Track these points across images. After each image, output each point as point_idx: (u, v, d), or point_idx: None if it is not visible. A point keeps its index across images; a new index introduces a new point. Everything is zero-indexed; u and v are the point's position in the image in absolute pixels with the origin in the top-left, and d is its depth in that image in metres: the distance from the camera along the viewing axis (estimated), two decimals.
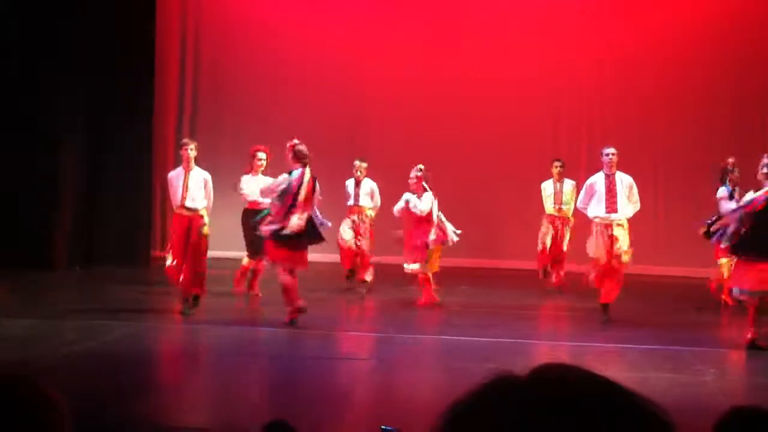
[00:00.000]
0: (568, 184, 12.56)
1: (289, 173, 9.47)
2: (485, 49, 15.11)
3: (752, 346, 8.77)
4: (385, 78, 15.21)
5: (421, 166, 11.21)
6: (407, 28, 15.33)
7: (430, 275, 11.08)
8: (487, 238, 14.92)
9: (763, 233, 8.73)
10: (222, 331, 9.36)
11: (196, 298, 10.21)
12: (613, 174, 10.18)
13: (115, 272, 13.17)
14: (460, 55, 15.15)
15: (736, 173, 10.98)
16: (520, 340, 9.01)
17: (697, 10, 14.82)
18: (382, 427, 3.65)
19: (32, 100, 13.31)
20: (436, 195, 11.26)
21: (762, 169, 8.91)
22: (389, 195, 11.74)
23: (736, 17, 14.55)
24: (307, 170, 9.46)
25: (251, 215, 10.99)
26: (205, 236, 10.25)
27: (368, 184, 12.21)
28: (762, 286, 8.72)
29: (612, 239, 10.02)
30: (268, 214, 9.70)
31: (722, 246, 9.47)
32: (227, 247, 13.18)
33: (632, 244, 10.22)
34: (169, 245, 10.69)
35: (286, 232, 9.26)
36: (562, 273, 12.53)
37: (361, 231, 12.01)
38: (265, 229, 9.48)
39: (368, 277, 11.93)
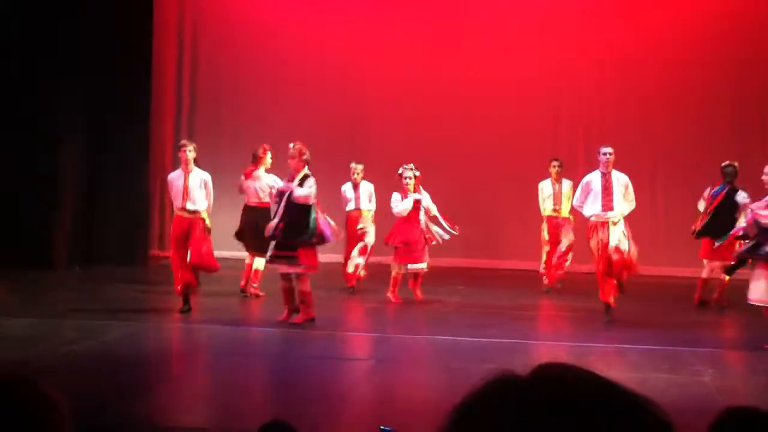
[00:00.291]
0: (567, 185, 12.44)
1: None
2: (484, 49, 15.10)
3: None
4: (384, 78, 15.20)
5: (413, 166, 11.31)
6: (406, 28, 15.32)
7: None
8: (486, 238, 14.92)
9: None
10: (221, 331, 9.36)
11: (188, 290, 10.18)
12: (610, 173, 10.25)
13: (114, 272, 13.18)
14: (459, 55, 15.14)
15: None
16: (519, 341, 9.02)
17: (696, 10, 14.81)
18: (381, 427, 3.66)
19: (32, 100, 13.32)
20: (432, 195, 11.35)
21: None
22: (389, 195, 11.70)
23: (736, 17, 14.54)
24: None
25: (253, 213, 11.02)
26: (208, 235, 10.23)
27: (367, 187, 12.15)
28: None
29: (607, 237, 10.06)
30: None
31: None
32: (227, 247, 13.17)
33: (635, 238, 10.23)
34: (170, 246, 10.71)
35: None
36: (559, 272, 12.49)
37: (366, 231, 12.00)
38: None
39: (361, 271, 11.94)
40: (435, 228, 11.44)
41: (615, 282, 10.13)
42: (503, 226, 14.94)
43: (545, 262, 12.55)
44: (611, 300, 10.12)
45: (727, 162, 11.27)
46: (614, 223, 10.10)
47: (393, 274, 11.35)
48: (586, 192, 10.33)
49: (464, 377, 6.68)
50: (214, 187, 10.45)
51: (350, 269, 11.89)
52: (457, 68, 15.07)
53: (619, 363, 8.32)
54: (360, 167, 12.11)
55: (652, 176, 14.56)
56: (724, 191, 11.10)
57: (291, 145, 9.73)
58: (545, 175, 12.65)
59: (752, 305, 9.20)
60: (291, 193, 9.51)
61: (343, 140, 14.89)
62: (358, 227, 11.96)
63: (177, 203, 10.37)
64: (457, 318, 10.44)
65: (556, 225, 12.47)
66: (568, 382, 1.03)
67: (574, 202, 10.75)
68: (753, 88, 14.65)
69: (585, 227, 10.61)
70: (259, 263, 11.10)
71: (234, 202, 11.93)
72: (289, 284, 9.63)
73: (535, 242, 12.79)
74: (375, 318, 10.83)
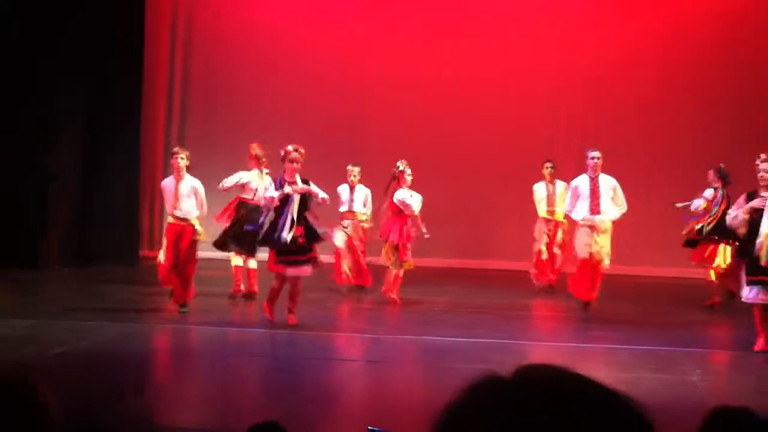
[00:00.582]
0: (560, 186, 12.39)
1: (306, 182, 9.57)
2: (479, 50, 15.13)
3: None
4: (379, 78, 15.21)
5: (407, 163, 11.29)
6: (401, 29, 15.35)
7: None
8: (480, 238, 14.94)
9: None
10: (213, 332, 9.36)
11: (184, 304, 10.21)
12: (597, 177, 10.29)
13: (105, 271, 13.18)
14: (452, 56, 15.19)
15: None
16: (509, 341, 9.03)
17: (696, 11, 14.81)
18: (370, 428, 3.67)
19: (33, 100, 13.36)
20: (427, 195, 11.36)
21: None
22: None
23: (736, 18, 14.54)
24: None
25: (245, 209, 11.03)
26: (196, 243, 10.22)
27: (363, 191, 12.09)
28: None
29: (594, 240, 10.12)
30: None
31: None
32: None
33: (614, 247, 10.29)
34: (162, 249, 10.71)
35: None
36: (551, 276, 12.50)
37: (357, 237, 11.95)
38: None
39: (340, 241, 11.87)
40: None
41: (591, 281, 10.21)
42: (498, 227, 14.92)
43: (536, 263, 12.55)
44: (593, 298, 10.19)
45: (721, 165, 11.32)
46: (603, 231, 10.15)
47: (395, 272, 11.19)
48: (575, 196, 10.38)
49: (454, 377, 6.68)
50: (207, 190, 10.41)
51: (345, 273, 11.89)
52: (451, 69, 15.13)
53: (608, 363, 8.35)
54: (357, 169, 12.03)
55: (647, 176, 14.51)
56: (726, 193, 11.15)
57: (292, 148, 9.47)
58: (540, 176, 12.64)
59: (744, 304, 9.19)
60: (310, 196, 9.47)
61: (340, 141, 14.82)
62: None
63: (168, 209, 10.44)
64: (448, 318, 10.46)
65: (549, 227, 12.47)
66: (551, 382, 1.05)
67: (566, 208, 10.80)
68: (752, 89, 14.68)
69: (575, 229, 10.66)
70: (253, 263, 11.15)
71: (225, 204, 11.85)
72: (283, 285, 9.61)
73: (528, 243, 12.78)
74: (366, 319, 10.84)
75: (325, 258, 11.67)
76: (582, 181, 10.37)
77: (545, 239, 12.46)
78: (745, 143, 14.02)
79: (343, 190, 12.06)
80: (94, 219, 14.39)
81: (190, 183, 10.27)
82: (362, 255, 11.93)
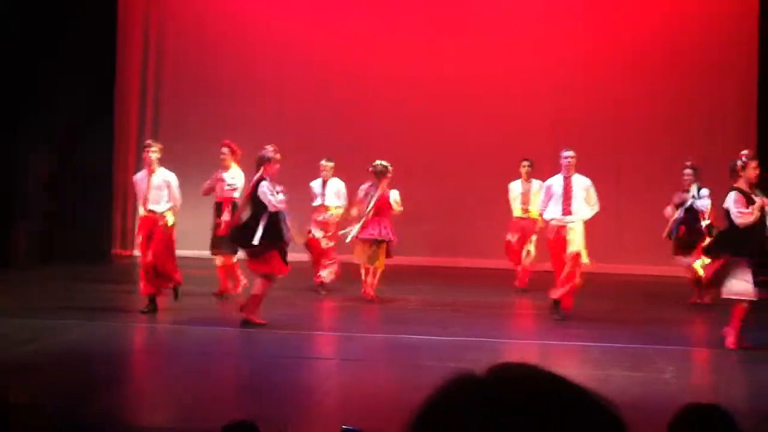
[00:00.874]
0: (536, 184, 12.29)
1: None
2: (473, 50, 15.13)
3: None
4: (361, 77, 15.21)
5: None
6: (394, 28, 15.34)
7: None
8: (454, 236, 14.97)
9: None
10: (186, 330, 9.34)
11: (176, 288, 10.29)
12: (571, 176, 10.31)
13: (77, 270, 13.10)
14: (448, 55, 15.19)
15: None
16: (484, 339, 9.05)
17: (674, 12, 14.89)
18: (344, 426, 3.66)
19: (33, 100, 13.38)
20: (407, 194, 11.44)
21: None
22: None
23: (713, 19, 14.65)
24: None
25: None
26: (170, 230, 10.16)
27: (336, 184, 12.21)
28: None
29: (565, 241, 10.13)
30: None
31: None
32: (192, 246, 13.12)
33: (588, 245, 10.30)
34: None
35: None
36: (528, 277, 12.51)
37: (328, 230, 12.01)
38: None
39: (328, 277, 11.92)
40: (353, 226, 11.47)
41: (567, 281, 10.20)
42: (471, 224, 14.94)
43: (506, 250, 12.58)
44: (563, 297, 10.21)
45: (694, 163, 11.37)
46: (572, 228, 10.16)
47: (381, 270, 11.32)
48: (549, 196, 10.40)
49: (428, 376, 6.71)
50: (181, 186, 10.36)
51: (327, 278, 11.91)
52: (450, 68, 15.11)
53: (581, 360, 8.40)
54: (330, 165, 12.19)
55: (620, 175, 14.58)
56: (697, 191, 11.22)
57: (271, 148, 9.52)
58: (518, 175, 12.61)
59: (725, 299, 9.16)
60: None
61: (317, 137, 14.70)
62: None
63: (140, 203, 10.35)
64: (421, 316, 10.47)
65: (522, 227, 12.47)
66: (525, 381, 1.05)
67: (539, 207, 10.81)
68: (725, 90, 14.78)
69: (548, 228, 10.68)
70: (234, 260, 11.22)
71: (200, 201, 11.79)
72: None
73: (503, 241, 12.79)
74: (340, 317, 10.84)
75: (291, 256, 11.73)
76: (555, 181, 10.39)
77: (517, 236, 12.49)
78: (717, 143, 14.15)
79: (316, 184, 12.18)
80: (66, 217, 14.29)
81: (162, 176, 10.22)
82: (333, 249, 12.00)
